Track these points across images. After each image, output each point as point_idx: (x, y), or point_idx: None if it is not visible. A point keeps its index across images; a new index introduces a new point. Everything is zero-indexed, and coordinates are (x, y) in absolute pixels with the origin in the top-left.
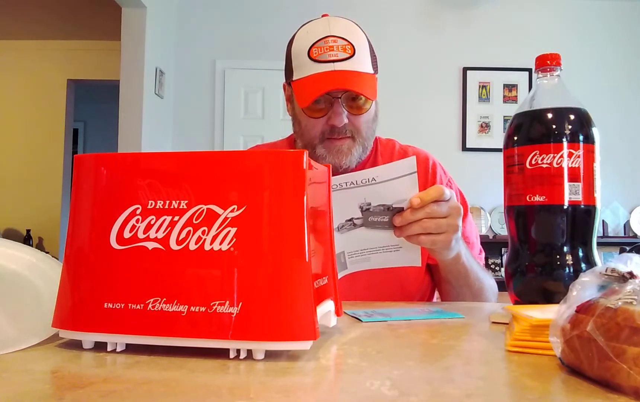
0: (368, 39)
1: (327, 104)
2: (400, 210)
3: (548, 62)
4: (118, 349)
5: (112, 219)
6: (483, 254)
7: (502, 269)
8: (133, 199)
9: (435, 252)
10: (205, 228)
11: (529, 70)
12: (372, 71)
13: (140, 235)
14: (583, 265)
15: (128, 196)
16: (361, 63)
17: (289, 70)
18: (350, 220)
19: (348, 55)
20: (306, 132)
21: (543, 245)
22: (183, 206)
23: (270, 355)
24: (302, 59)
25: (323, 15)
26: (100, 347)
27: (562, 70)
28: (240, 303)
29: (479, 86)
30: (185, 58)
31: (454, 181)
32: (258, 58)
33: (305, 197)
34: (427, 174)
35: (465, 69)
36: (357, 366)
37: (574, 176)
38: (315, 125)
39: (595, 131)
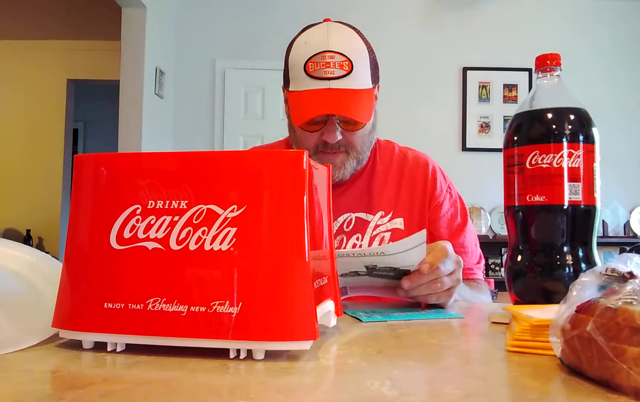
0: (369, 48)
1: (322, 118)
2: (407, 271)
3: (548, 62)
4: (118, 349)
5: (112, 219)
6: (482, 262)
7: (502, 269)
8: (133, 199)
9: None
10: (205, 228)
11: (529, 70)
12: (370, 86)
13: (140, 235)
14: (583, 265)
15: (128, 196)
16: (358, 80)
17: (286, 77)
18: (354, 272)
19: (345, 73)
20: (300, 143)
21: (543, 245)
22: (183, 206)
23: (270, 355)
24: (298, 72)
25: (325, 20)
26: (100, 347)
27: (562, 70)
28: (240, 303)
29: (479, 86)
30: (185, 58)
31: (453, 187)
32: (258, 58)
33: (305, 197)
34: (426, 180)
35: (465, 69)
36: (357, 366)
37: (574, 176)
38: (309, 138)
39: (595, 131)
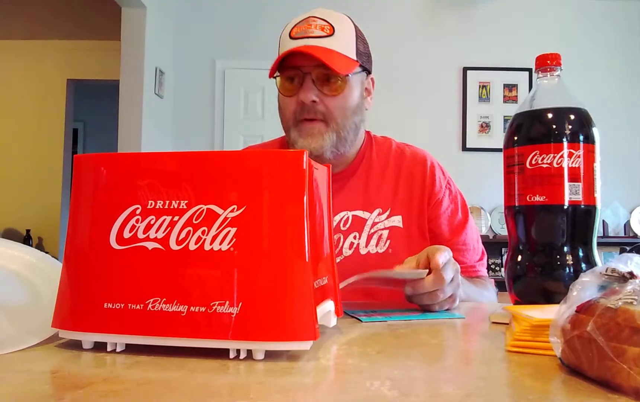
0: (357, 30)
1: (299, 81)
2: (401, 279)
3: (548, 62)
4: (118, 349)
5: (112, 219)
6: (485, 259)
7: (502, 269)
8: (133, 199)
9: None
10: (205, 228)
11: (529, 70)
12: (353, 57)
13: (140, 235)
14: (583, 265)
15: (128, 196)
16: (338, 44)
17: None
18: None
19: (325, 34)
20: (283, 116)
21: (543, 245)
22: (183, 206)
23: (270, 355)
24: (284, 41)
25: None
26: (100, 347)
27: (562, 70)
28: (240, 303)
29: (479, 86)
30: (185, 58)
31: (453, 182)
32: (258, 58)
33: (305, 197)
34: (424, 177)
35: (465, 69)
36: (357, 366)
37: (574, 176)
38: (289, 105)
39: (595, 131)
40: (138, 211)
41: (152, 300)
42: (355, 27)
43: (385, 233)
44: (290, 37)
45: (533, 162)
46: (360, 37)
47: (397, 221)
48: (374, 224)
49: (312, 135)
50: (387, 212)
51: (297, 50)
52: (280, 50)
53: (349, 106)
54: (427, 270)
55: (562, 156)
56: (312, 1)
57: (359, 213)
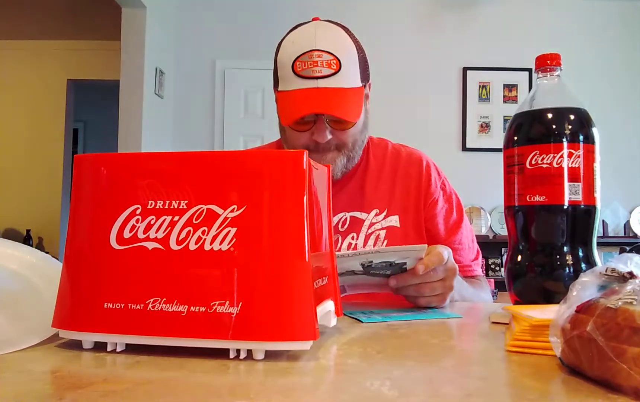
0: (358, 47)
1: (311, 117)
2: (403, 264)
3: (548, 62)
4: (118, 349)
5: (112, 219)
6: (480, 258)
7: (502, 269)
8: (133, 199)
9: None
10: (205, 228)
11: (529, 70)
12: (359, 84)
13: (140, 235)
14: (583, 265)
15: (128, 196)
16: (346, 78)
17: (275, 77)
18: (351, 271)
19: (333, 72)
20: (290, 143)
21: (543, 245)
22: (183, 206)
23: (270, 355)
24: (287, 72)
25: (313, 19)
26: (100, 347)
27: (562, 70)
28: (240, 303)
29: (479, 86)
30: (185, 58)
31: (448, 182)
32: (258, 58)
33: (305, 197)
34: (420, 177)
35: (465, 69)
36: (357, 366)
37: (574, 176)
38: (300, 138)
39: (595, 131)
40: (138, 211)
41: (152, 300)
42: (354, 40)
43: (383, 233)
44: (295, 72)
45: (533, 162)
46: (359, 51)
47: (394, 220)
48: (372, 224)
49: (324, 162)
50: (384, 213)
51: (314, 102)
52: (282, 80)
53: (358, 130)
54: (425, 245)
55: (562, 156)
56: (312, 3)
57: (357, 214)
